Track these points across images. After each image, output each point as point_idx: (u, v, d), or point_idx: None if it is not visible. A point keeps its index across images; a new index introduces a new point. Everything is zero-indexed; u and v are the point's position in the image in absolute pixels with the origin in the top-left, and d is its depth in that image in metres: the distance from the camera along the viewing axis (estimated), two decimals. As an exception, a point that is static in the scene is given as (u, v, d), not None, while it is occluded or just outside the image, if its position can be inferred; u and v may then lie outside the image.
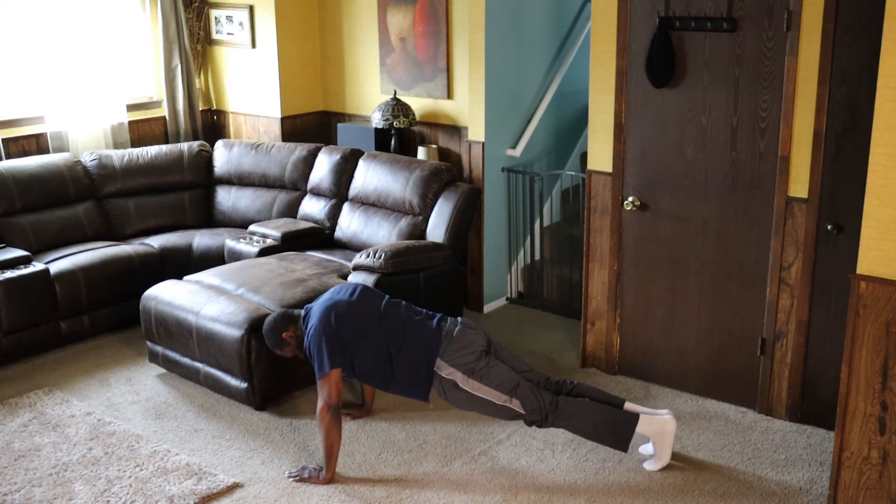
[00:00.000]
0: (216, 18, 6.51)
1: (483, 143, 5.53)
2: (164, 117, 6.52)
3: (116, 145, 6.22)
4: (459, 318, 3.92)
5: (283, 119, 6.39)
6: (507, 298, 5.99)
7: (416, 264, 4.93)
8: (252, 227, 5.60)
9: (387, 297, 3.99)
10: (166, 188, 6.07)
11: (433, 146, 5.80)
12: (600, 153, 4.58)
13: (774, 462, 3.95)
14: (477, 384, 3.75)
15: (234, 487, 3.78)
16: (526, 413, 3.78)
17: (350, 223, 5.58)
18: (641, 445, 3.99)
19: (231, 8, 6.38)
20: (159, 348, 4.79)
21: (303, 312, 3.94)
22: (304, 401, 4.51)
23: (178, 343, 4.62)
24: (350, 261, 5.07)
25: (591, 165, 4.64)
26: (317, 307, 3.88)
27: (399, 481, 3.82)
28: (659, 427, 3.82)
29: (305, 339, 3.85)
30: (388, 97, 5.86)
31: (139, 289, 5.08)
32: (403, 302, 3.99)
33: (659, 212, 4.47)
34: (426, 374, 3.77)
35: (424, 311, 3.96)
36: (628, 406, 3.90)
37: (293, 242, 5.44)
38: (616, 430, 3.80)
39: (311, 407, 4.37)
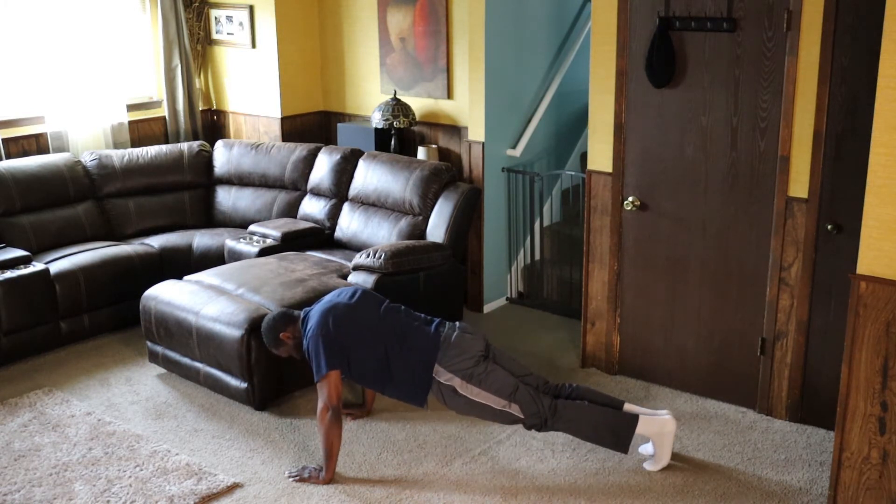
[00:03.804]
0: (216, 18, 6.51)
1: (483, 143, 5.53)
2: (164, 117, 6.52)
3: (116, 145, 6.22)
4: (458, 323, 3.92)
5: (283, 119, 6.39)
6: (507, 298, 5.98)
7: (416, 264, 4.93)
8: (252, 227, 5.60)
9: (386, 301, 4.00)
10: (166, 188, 6.07)
11: (433, 146, 5.80)
12: (600, 153, 4.58)
13: (774, 462, 3.95)
14: (476, 389, 3.75)
15: (234, 487, 3.78)
16: (525, 417, 3.78)
17: (350, 223, 5.58)
18: (641, 445, 3.99)
19: (231, 8, 6.38)
20: (159, 348, 4.79)
21: (302, 315, 3.96)
22: (304, 401, 4.51)
23: (178, 343, 4.62)
24: (350, 261, 5.07)
25: (591, 165, 4.64)
26: (316, 310, 3.89)
27: (399, 481, 3.82)
28: (658, 427, 3.82)
29: (304, 341, 3.86)
30: (388, 97, 5.86)
31: (139, 289, 5.08)
32: (402, 307, 3.99)
33: (659, 212, 4.47)
34: (424, 379, 3.78)
35: (423, 316, 3.96)
36: (627, 407, 3.90)
37: (293, 242, 5.44)
38: (616, 432, 3.81)
39: (312, 407, 4.37)
